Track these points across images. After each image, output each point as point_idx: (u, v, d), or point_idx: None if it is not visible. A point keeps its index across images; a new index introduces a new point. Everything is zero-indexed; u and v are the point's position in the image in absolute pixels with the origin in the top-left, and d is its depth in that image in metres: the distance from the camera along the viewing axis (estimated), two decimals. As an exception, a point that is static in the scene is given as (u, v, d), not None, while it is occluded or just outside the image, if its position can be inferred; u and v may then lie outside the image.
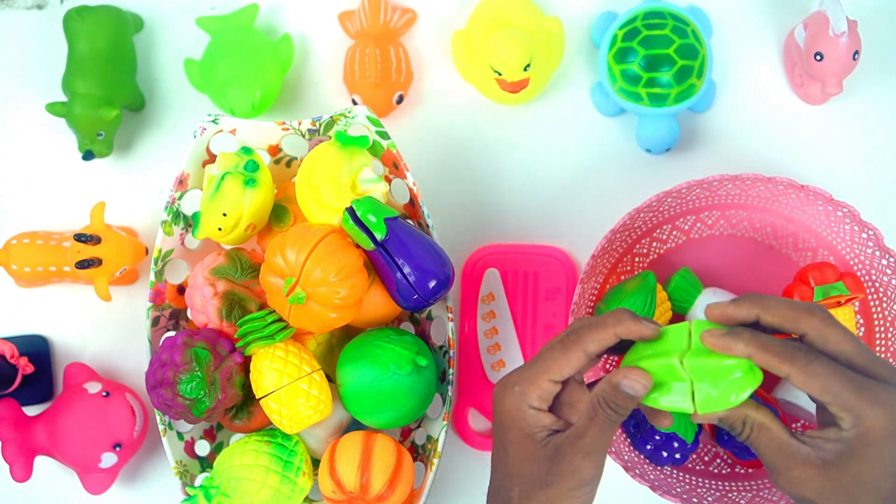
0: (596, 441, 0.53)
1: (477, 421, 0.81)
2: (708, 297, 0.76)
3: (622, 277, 0.79)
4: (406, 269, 0.66)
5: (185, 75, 0.83)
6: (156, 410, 0.70)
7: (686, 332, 0.53)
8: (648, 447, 0.74)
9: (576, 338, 0.54)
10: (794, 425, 0.77)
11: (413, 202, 0.72)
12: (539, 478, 0.53)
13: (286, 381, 0.66)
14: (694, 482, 0.76)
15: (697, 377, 0.51)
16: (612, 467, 0.73)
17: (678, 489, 0.73)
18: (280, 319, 0.68)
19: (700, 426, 0.75)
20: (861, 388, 0.49)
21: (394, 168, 0.73)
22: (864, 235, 0.72)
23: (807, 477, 0.50)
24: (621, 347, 0.55)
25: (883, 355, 0.74)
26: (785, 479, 0.51)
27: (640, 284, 0.74)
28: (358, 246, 0.67)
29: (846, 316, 0.73)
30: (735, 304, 0.51)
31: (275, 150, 0.76)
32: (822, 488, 0.50)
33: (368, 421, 0.70)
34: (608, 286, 0.78)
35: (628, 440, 0.76)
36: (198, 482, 0.72)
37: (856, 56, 0.76)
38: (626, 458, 0.73)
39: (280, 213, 0.73)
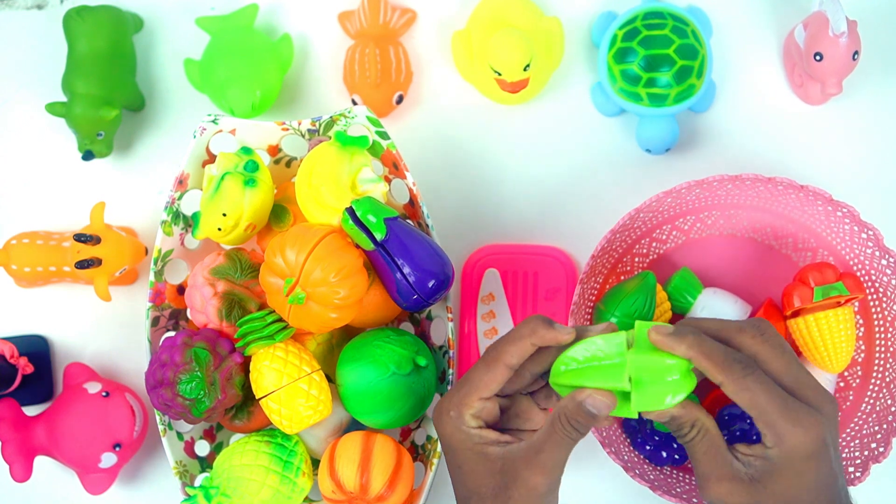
0: (552, 457, 0.54)
1: (477, 421, 0.81)
2: (708, 297, 0.76)
3: (622, 277, 0.79)
4: (406, 270, 0.66)
5: (185, 75, 0.83)
6: (156, 410, 0.70)
7: (623, 338, 0.54)
8: (648, 447, 0.74)
9: (495, 354, 0.56)
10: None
11: (413, 202, 0.72)
12: (497, 494, 0.54)
13: (286, 382, 0.66)
14: (694, 482, 0.76)
15: (636, 374, 0.52)
16: (611, 467, 0.73)
17: (678, 489, 0.73)
18: (280, 319, 0.68)
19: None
20: (786, 407, 0.51)
21: (394, 168, 0.73)
22: (864, 236, 0.72)
23: (733, 491, 0.52)
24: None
25: (883, 355, 0.74)
26: (713, 490, 0.53)
27: (639, 284, 0.74)
28: (358, 246, 0.67)
29: (846, 316, 0.73)
30: (675, 339, 0.52)
31: (275, 150, 0.76)
32: (737, 500, 0.52)
33: (368, 421, 0.70)
34: (608, 286, 0.78)
35: (628, 440, 0.76)
36: (198, 482, 0.72)
37: (856, 56, 0.76)
38: (625, 458, 0.73)
39: (280, 213, 0.73)
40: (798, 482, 0.51)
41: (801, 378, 0.52)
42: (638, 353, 0.53)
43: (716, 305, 0.75)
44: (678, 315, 0.78)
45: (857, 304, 0.76)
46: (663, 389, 0.52)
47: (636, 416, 0.53)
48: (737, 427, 0.72)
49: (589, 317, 0.77)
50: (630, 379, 0.52)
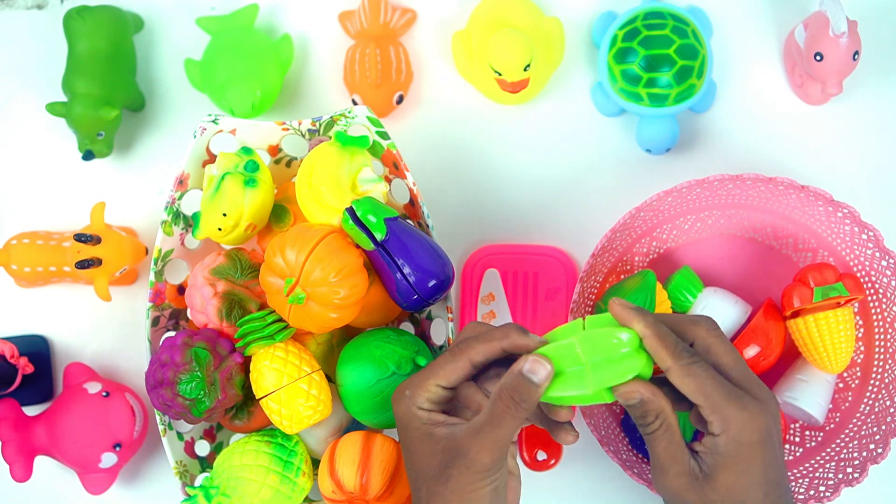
0: (494, 434, 0.54)
1: (477, 421, 0.81)
2: (708, 297, 0.76)
3: (622, 277, 0.79)
4: (406, 270, 0.66)
5: (185, 75, 0.83)
6: (156, 410, 0.70)
7: (579, 322, 0.56)
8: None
9: (464, 346, 0.57)
10: (792, 426, 0.78)
11: (413, 202, 0.72)
12: (439, 473, 0.55)
13: (286, 382, 0.66)
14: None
15: (589, 352, 0.54)
16: (611, 467, 0.73)
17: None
18: (280, 319, 0.68)
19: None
20: (731, 394, 0.52)
21: (394, 168, 0.73)
22: (864, 236, 0.72)
23: (684, 487, 0.53)
24: (510, 361, 0.57)
25: (882, 356, 0.75)
26: (671, 483, 0.54)
27: (640, 283, 0.74)
28: (358, 246, 0.67)
29: (845, 317, 0.73)
30: (631, 313, 0.54)
31: (275, 150, 0.76)
32: (692, 496, 0.53)
33: (368, 421, 0.70)
34: (608, 285, 0.78)
35: (627, 440, 0.76)
36: (198, 482, 0.72)
37: (856, 56, 0.76)
38: (624, 457, 0.73)
39: (280, 213, 0.73)
40: (747, 473, 0.52)
41: (748, 374, 0.54)
42: (590, 327, 0.55)
43: (716, 305, 0.75)
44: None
45: (856, 304, 0.76)
46: (618, 365, 0.53)
47: (602, 396, 0.54)
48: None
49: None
50: (583, 355, 0.54)
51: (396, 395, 0.58)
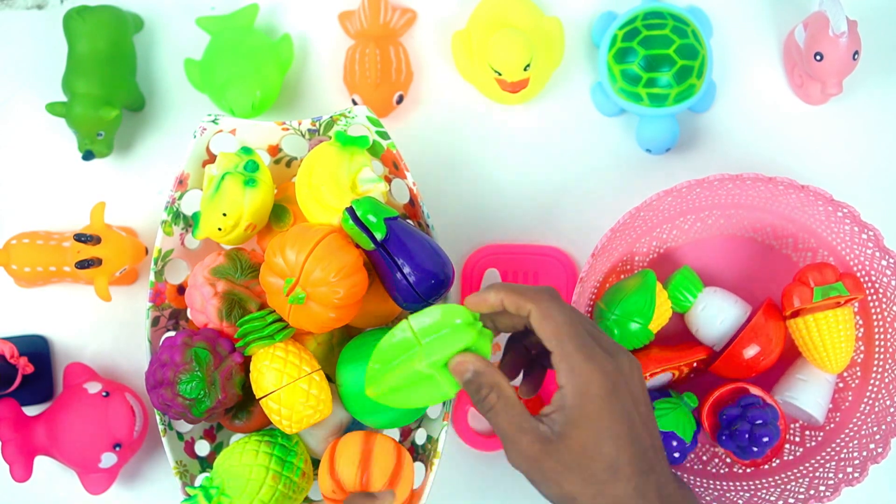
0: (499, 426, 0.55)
1: (477, 421, 0.81)
2: (708, 296, 0.76)
3: (622, 277, 0.79)
4: (406, 269, 0.66)
5: (185, 75, 0.83)
6: (156, 410, 0.70)
7: (407, 328, 0.57)
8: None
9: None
10: (792, 426, 0.78)
11: (413, 202, 0.72)
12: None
13: (286, 381, 0.66)
14: (692, 482, 0.76)
15: (423, 333, 0.55)
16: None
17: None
18: (280, 319, 0.68)
19: (699, 426, 0.75)
20: (583, 345, 0.52)
21: (394, 168, 0.73)
22: (864, 236, 0.72)
23: (539, 454, 0.52)
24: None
25: (882, 356, 0.74)
26: (522, 452, 0.53)
27: (640, 283, 0.74)
28: (358, 246, 0.67)
29: (845, 317, 0.73)
30: (486, 291, 0.56)
31: (275, 150, 0.76)
32: (548, 461, 0.52)
33: (368, 421, 0.70)
34: (608, 286, 0.78)
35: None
36: (198, 482, 0.72)
37: (856, 56, 0.76)
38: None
39: (280, 213, 0.73)
40: (596, 427, 0.51)
41: (600, 334, 0.55)
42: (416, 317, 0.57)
43: (716, 305, 0.75)
44: (678, 314, 0.78)
45: (856, 304, 0.76)
46: (449, 338, 0.54)
47: (438, 384, 0.55)
48: (737, 427, 0.72)
49: (589, 315, 0.77)
50: (418, 335, 0.55)
51: None
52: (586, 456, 0.51)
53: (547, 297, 0.54)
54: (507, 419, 0.53)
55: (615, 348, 0.54)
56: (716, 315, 0.75)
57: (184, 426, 0.73)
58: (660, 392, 0.76)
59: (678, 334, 0.79)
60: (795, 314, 0.74)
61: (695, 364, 0.76)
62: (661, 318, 0.75)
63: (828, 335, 0.73)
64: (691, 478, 0.76)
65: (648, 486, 0.51)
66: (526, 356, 0.60)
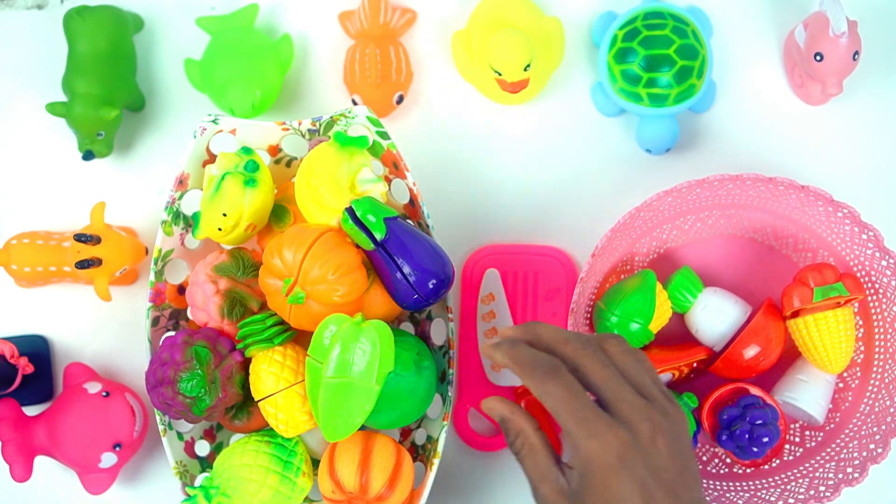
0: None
1: (477, 421, 0.80)
2: (708, 297, 0.76)
3: (622, 277, 0.79)
4: (406, 269, 0.66)
5: (185, 75, 0.83)
6: (156, 410, 0.70)
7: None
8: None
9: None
10: (792, 425, 0.77)
11: (413, 202, 0.72)
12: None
13: (283, 386, 0.66)
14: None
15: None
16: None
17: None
18: (280, 322, 0.68)
19: (699, 426, 0.75)
20: (583, 419, 0.51)
21: (394, 168, 0.73)
22: (864, 236, 0.72)
23: (553, 499, 0.52)
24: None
25: (882, 356, 0.74)
26: (538, 496, 0.53)
27: (640, 283, 0.74)
28: (357, 246, 0.67)
29: (845, 317, 0.73)
30: (496, 348, 0.55)
31: (275, 150, 0.76)
32: None
33: (368, 421, 0.70)
34: (608, 285, 0.78)
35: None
36: (198, 482, 0.72)
37: (856, 56, 0.76)
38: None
39: (280, 213, 0.73)
40: (604, 494, 0.50)
41: (621, 393, 0.52)
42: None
43: (716, 305, 0.75)
44: (678, 314, 0.78)
45: (856, 304, 0.76)
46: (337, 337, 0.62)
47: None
48: (737, 427, 0.72)
49: (589, 316, 0.77)
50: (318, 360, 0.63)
51: None
52: None
53: (541, 373, 0.52)
54: (531, 465, 0.53)
55: (635, 415, 0.51)
56: (716, 315, 0.75)
57: (184, 426, 0.73)
58: (660, 392, 0.76)
59: (678, 334, 0.79)
60: (795, 314, 0.74)
61: (695, 364, 0.76)
62: (661, 318, 0.75)
63: (828, 335, 0.73)
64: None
65: None
66: None
